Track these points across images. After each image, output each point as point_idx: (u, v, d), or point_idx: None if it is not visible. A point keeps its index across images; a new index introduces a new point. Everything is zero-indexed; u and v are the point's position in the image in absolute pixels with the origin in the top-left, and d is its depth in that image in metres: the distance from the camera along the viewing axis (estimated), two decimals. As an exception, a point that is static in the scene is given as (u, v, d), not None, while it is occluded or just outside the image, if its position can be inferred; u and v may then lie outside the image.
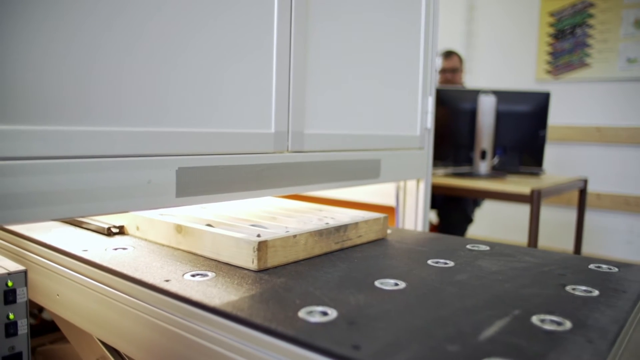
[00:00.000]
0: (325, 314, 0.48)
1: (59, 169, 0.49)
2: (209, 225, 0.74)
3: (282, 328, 0.44)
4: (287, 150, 0.73)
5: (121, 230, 0.81)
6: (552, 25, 2.99)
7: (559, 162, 2.86)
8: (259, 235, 0.66)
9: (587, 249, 2.66)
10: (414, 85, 1.03)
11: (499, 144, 1.86)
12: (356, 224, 0.78)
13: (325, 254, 0.72)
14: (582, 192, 1.93)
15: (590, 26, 2.85)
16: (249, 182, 0.68)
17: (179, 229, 0.71)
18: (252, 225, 0.74)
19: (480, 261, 0.72)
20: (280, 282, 0.58)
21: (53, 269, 0.71)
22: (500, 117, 1.82)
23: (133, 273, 0.59)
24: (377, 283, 0.59)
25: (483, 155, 1.78)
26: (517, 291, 0.58)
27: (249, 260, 0.62)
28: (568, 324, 0.48)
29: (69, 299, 0.68)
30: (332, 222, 0.77)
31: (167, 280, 0.57)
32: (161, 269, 0.62)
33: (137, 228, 0.79)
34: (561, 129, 2.92)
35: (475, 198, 2.22)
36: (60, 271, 0.69)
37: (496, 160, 1.86)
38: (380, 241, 0.83)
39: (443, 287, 0.59)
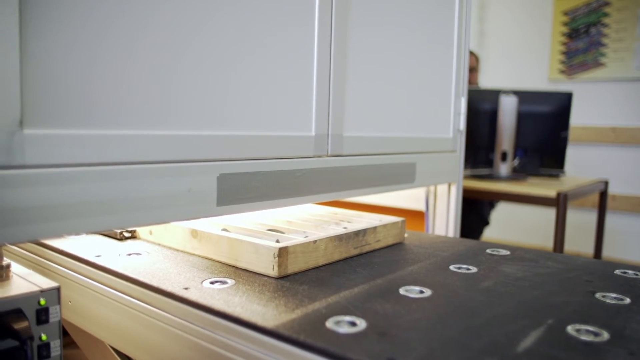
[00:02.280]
0: (353, 324, 0.46)
1: (95, 176, 0.46)
2: (224, 230, 0.72)
3: (311, 340, 0.43)
4: (327, 154, 0.71)
5: (133, 235, 0.79)
6: (565, 24, 2.94)
7: (573, 163, 2.82)
8: (277, 241, 0.64)
9: (603, 252, 2.61)
10: (447, 86, 1.01)
11: (519, 145, 1.82)
12: (374, 228, 0.76)
13: (345, 259, 0.71)
14: (603, 194, 1.90)
15: (605, 25, 2.81)
16: (289, 189, 0.66)
17: (195, 233, 0.69)
18: (269, 230, 0.72)
19: (504, 267, 0.70)
20: (303, 289, 0.56)
21: (65, 274, 0.69)
22: (521, 118, 1.79)
23: (150, 280, 0.57)
24: (402, 290, 0.57)
25: (504, 156, 1.75)
26: (547, 299, 0.57)
27: (269, 266, 0.60)
28: (605, 335, 0.46)
29: (81, 306, 0.67)
30: (350, 227, 0.75)
31: (186, 288, 0.55)
32: (178, 276, 0.60)
33: (150, 232, 0.77)
34: (575, 130, 2.87)
35: (491, 200, 2.19)
36: (72, 277, 0.68)
37: (517, 161, 1.83)
38: (398, 245, 0.81)
39: (470, 295, 0.57)
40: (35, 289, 0.48)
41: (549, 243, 2.93)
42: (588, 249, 2.59)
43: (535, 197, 1.45)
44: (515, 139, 1.77)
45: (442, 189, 1.10)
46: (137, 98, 0.50)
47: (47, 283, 0.50)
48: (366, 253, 0.75)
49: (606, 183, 1.89)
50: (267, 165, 0.62)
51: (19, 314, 0.46)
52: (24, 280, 0.51)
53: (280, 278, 0.60)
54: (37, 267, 0.74)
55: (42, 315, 0.48)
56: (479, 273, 0.66)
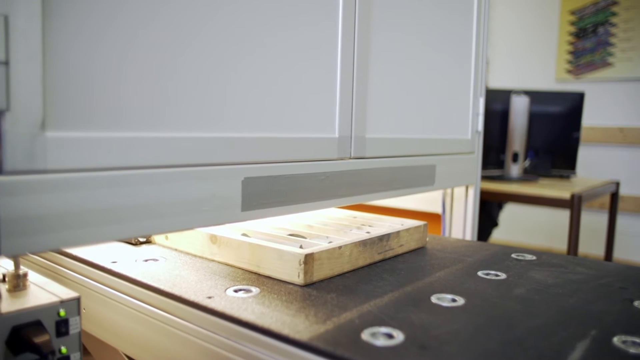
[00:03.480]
0: (390, 336, 0.44)
1: (120, 181, 0.43)
2: (244, 234, 0.70)
3: (349, 354, 0.40)
4: (350, 156, 0.68)
5: (148, 240, 0.77)
6: (573, 23, 2.91)
7: (580, 164, 2.78)
8: (301, 247, 0.62)
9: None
10: (465, 86, 0.98)
11: (530, 146, 1.79)
12: (398, 232, 0.74)
13: (369, 265, 0.68)
14: (614, 196, 1.87)
15: (613, 25, 2.77)
16: (313, 192, 0.63)
17: (214, 239, 0.67)
18: (290, 235, 0.70)
19: (532, 273, 0.68)
20: (331, 298, 0.54)
21: (80, 281, 0.67)
22: (531, 118, 1.76)
23: (171, 289, 0.55)
24: (433, 299, 0.55)
25: (515, 157, 1.72)
26: (584, 307, 0.54)
27: (294, 274, 0.58)
28: (655, 347, 0.44)
29: (96, 313, 0.64)
30: (373, 231, 0.73)
31: (209, 297, 0.53)
32: (200, 284, 0.57)
33: (166, 237, 0.75)
34: (583, 130, 2.83)
35: (500, 201, 2.16)
36: (87, 284, 0.65)
37: (528, 162, 1.80)
38: (420, 250, 0.79)
39: (504, 303, 0.55)
40: (55, 299, 0.46)
41: (552, 244, 2.92)
42: (596, 251, 2.56)
43: (549, 198, 1.42)
44: (526, 140, 1.74)
45: (459, 191, 1.08)
46: (161, 100, 0.47)
47: (66, 293, 0.47)
48: (389, 258, 0.73)
49: (617, 184, 1.87)
50: (292, 168, 0.60)
51: (38, 326, 0.43)
52: (42, 290, 0.48)
53: (306, 286, 0.58)
54: (47, 272, 0.72)
55: (62, 327, 0.45)
56: (508, 280, 0.64)
